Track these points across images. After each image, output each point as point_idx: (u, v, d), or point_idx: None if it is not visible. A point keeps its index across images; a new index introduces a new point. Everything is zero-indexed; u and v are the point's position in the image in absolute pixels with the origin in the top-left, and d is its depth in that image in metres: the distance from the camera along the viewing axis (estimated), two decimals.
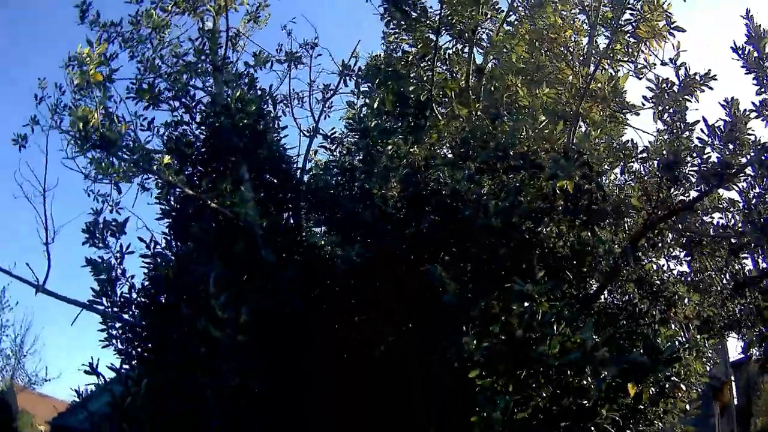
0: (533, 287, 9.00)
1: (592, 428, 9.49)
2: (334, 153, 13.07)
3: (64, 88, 12.55)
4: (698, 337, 11.54)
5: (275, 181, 12.95)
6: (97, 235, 12.16)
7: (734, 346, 23.45)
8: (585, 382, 9.27)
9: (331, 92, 13.69)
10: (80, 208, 12.76)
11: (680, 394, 10.40)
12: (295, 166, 13.25)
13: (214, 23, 13.68)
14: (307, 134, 13.47)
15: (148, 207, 12.50)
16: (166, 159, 11.53)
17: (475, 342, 9.00)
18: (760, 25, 10.60)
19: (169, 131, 12.81)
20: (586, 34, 12.90)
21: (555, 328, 8.86)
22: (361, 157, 12.18)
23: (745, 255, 12.03)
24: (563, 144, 11.36)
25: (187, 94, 13.04)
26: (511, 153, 10.83)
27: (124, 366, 11.70)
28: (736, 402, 26.45)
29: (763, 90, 10.56)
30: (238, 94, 12.69)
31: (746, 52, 10.63)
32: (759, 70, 10.58)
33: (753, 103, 10.59)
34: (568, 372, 9.25)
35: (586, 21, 13.03)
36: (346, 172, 12.36)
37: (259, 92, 13.29)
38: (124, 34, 13.19)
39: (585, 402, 9.48)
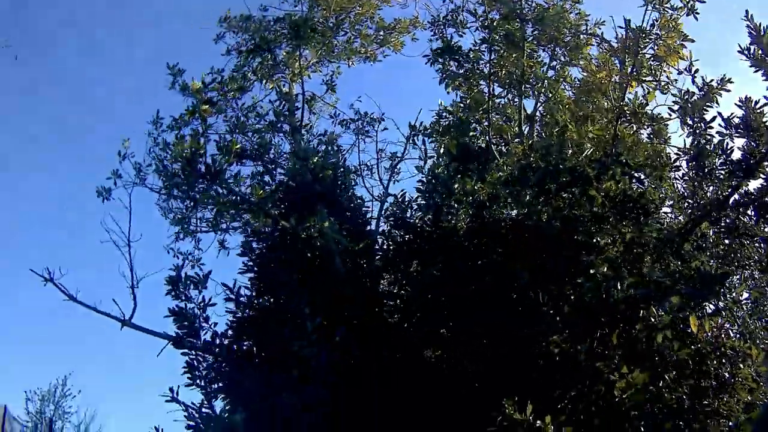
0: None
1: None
2: (405, 214, 13.69)
3: (150, 146, 13.84)
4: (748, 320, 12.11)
5: (352, 228, 13.65)
6: (180, 287, 12.66)
7: None
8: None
9: (398, 159, 14.86)
10: (162, 263, 13.53)
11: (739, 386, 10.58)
12: (369, 218, 14.21)
13: (290, 88, 15.29)
14: (378, 198, 14.49)
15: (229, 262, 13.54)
16: (260, 192, 12.82)
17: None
18: (760, 24, 11.61)
19: (256, 181, 13.93)
20: (618, 71, 14.14)
21: None
22: (431, 203, 12.96)
23: None
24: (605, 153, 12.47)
25: (270, 150, 14.29)
26: (562, 167, 11.86)
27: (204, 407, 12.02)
28: None
29: None
30: (316, 150, 13.94)
31: (752, 52, 11.61)
32: (765, 66, 11.54)
33: (765, 97, 11.68)
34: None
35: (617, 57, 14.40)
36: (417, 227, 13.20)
37: (334, 153, 14.52)
38: (211, 99, 14.02)
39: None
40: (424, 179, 13.33)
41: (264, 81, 15.54)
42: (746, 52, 11.63)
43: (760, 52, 11.60)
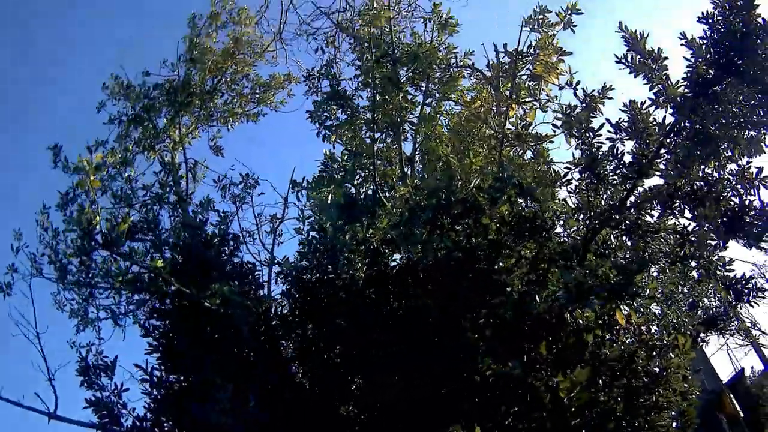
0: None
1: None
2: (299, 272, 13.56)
3: (40, 233, 13.59)
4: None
5: (250, 292, 13.73)
6: (91, 376, 12.63)
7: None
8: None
9: (278, 220, 14.85)
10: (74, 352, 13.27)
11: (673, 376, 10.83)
12: (262, 282, 14.17)
13: (172, 157, 15.32)
14: (266, 263, 14.36)
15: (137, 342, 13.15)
16: (159, 262, 12.64)
17: None
18: (635, 31, 12.08)
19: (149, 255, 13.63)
20: (494, 98, 14.19)
21: None
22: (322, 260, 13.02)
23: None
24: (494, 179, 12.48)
25: (160, 223, 14.11)
26: (453, 200, 12.05)
27: None
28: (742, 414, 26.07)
29: (654, 84, 11.97)
30: (203, 218, 14.06)
31: (630, 59, 12.10)
32: (645, 69, 12.01)
33: (649, 98, 12.07)
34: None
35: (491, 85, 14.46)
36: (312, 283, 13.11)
37: (222, 219, 14.57)
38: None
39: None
40: (305, 239, 13.39)
41: (146, 151, 15.50)
42: (624, 61, 12.06)
43: (638, 58, 12.02)
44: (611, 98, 13.00)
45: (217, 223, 14.39)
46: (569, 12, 13.87)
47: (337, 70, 15.48)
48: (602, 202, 12.62)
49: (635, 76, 12.07)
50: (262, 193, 15.17)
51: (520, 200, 12.26)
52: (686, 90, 11.78)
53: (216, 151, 16.55)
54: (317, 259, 13.05)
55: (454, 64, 15.18)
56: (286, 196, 14.69)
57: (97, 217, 12.33)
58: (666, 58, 11.99)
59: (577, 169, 12.87)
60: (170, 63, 16.20)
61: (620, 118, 12.25)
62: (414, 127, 14.68)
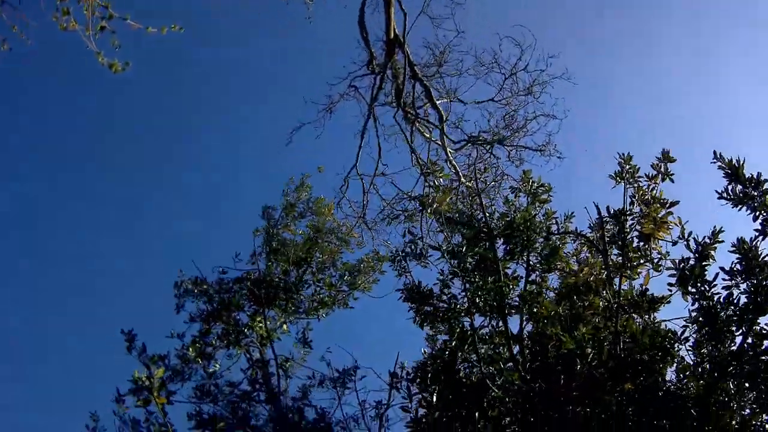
0: None
1: None
2: None
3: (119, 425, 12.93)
4: None
5: None
6: None
7: None
8: None
9: (384, 407, 13.78)
10: None
11: None
12: None
13: (261, 353, 14.63)
14: None
15: None
16: None
17: None
18: (731, 160, 11.43)
19: None
20: (602, 266, 13.12)
21: None
22: None
23: None
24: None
25: (248, 424, 13.48)
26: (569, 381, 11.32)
27: None
28: None
29: (758, 213, 11.30)
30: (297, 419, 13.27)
31: (730, 191, 11.47)
32: (747, 199, 11.37)
33: (755, 230, 11.32)
34: None
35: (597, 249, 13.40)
36: None
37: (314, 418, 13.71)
38: (173, 367, 13.88)
39: None
40: (413, 418, 12.34)
41: (231, 347, 14.87)
42: (726, 194, 11.51)
43: (738, 188, 11.42)
44: (722, 241, 11.78)
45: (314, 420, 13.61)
46: (664, 161, 12.97)
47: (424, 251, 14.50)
48: (721, 352, 11.45)
49: (739, 210, 11.45)
50: (364, 376, 14.26)
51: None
52: None
53: (305, 344, 15.41)
54: None
55: (555, 231, 14.20)
56: (390, 382, 13.63)
57: None
58: (766, 181, 11.27)
59: (694, 326, 11.75)
60: (248, 256, 15.85)
61: (733, 262, 11.34)
62: (518, 306, 13.53)
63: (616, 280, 12.63)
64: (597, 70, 33.53)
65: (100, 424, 13.15)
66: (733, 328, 11.35)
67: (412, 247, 14.52)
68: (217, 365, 14.40)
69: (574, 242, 14.14)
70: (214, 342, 14.75)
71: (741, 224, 11.48)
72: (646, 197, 12.82)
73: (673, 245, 12.35)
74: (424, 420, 12.35)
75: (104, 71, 12.40)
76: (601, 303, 12.60)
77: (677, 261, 11.83)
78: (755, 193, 11.31)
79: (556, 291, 13.57)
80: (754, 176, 11.36)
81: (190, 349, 14.30)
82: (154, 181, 33.59)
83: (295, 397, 14.25)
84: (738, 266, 11.30)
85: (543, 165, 22.08)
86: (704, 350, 11.64)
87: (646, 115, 34.46)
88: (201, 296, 15.40)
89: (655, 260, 12.60)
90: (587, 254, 13.67)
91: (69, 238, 31.78)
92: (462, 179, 19.78)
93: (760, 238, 11.26)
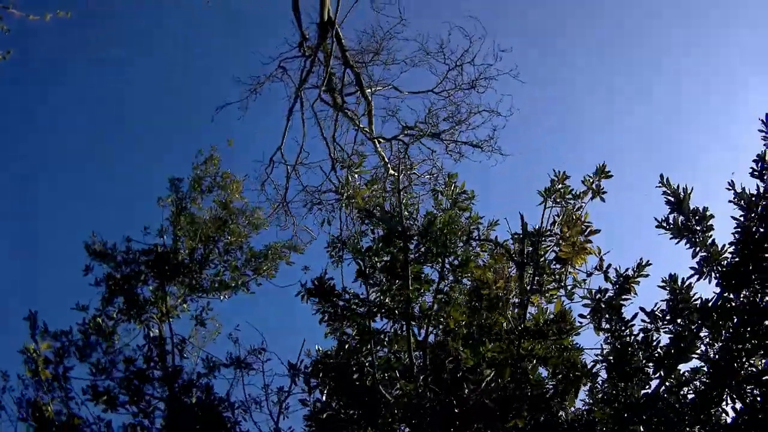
0: None
1: None
2: None
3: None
4: None
5: None
6: None
7: None
8: None
9: (286, 394, 13.38)
10: None
11: None
12: None
13: (160, 331, 14.25)
14: None
15: None
16: None
17: None
18: (678, 186, 10.87)
19: None
20: (517, 280, 12.52)
21: None
22: None
23: None
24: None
25: (142, 398, 13.19)
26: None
27: None
28: None
29: (698, 250, 10.72)
30: (194, 400, 12.97)
31: (671, 221, 10.90)
32: (688, 232, 10.79)
33: (692, 268, 10.72)
34: None
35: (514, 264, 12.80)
36: None
37: (216, 400, 13.34)
38: (76, 342, 13.45)
39: None
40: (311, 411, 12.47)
41: (132, 321, 14.46)
42: (665, 223, 10.96)
43: (681, 219, 10.85)
44: (647, 275, 11.28)
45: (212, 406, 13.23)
46: (598, 177, 12.24)
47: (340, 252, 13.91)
48: (634, 393, 10.95)
49: (677, 242, 10.87)
50: (269, 359, 13.80)
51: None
52: (733, 255, 10.41)
53: (201, 323, 15.36)
54: None
55: (476, 237, 13.52)
56: (288, 373, 13.37)
57: (50, 412, 12.08)
58: (712, 216, 10.73)
59: (603, 365, 11.27)
60: (156, 229, 15.25)
61: (656, 305, 10.84)
62: (423, 315, 12.94)
63: (525, 301, 12.07)
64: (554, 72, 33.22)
65: (9, 384, 13.02)
66: (650, 371, 10.84)
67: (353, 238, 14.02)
68: (117, 339, 14.00)
69: (494, 251, 13.48)
70: (114, 315, 14.34)
71: (683, 259, 11.00)
72: (569, 218, 12.15)
73: (587, 276, 11.80)
74: (321, 416, 12.19)
75: None
76: (504, 324, 11.96)
77: (593, 291, 11.36)
78: (697, 228, 10.74)
79: (467, 301, 12.94)
80: (699, 209, 10.76)
81: (91, 324, 13.83)
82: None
83: (192, 378, 13.83)
84: (664, 305, 10.76)
85: (483, 161, 21.86)
86: (615, 390, 11.14)
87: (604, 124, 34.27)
88: (109, 261, 14.87)
89: (569, 287, 12.03)
90: (503, 266, 12.96)
91: None
92: (391, 171, 19.23)
93: (695, 277, 10.66)
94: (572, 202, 12.28)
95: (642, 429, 11.02)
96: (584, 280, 11.91)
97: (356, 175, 17.19)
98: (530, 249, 12.28)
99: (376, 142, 21.60)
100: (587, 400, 11.46)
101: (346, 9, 20.37)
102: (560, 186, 12.35)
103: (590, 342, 12.13)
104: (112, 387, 13.32)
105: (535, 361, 11.58)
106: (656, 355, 10.69)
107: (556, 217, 12.33)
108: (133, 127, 34.61)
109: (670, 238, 10.86)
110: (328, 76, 21.02)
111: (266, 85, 22.27)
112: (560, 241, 12.10)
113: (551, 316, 11.72)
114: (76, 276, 14.93)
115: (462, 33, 21.63)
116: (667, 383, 10.75)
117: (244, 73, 23.70)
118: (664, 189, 10.89)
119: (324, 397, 12.61)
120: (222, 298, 16.03)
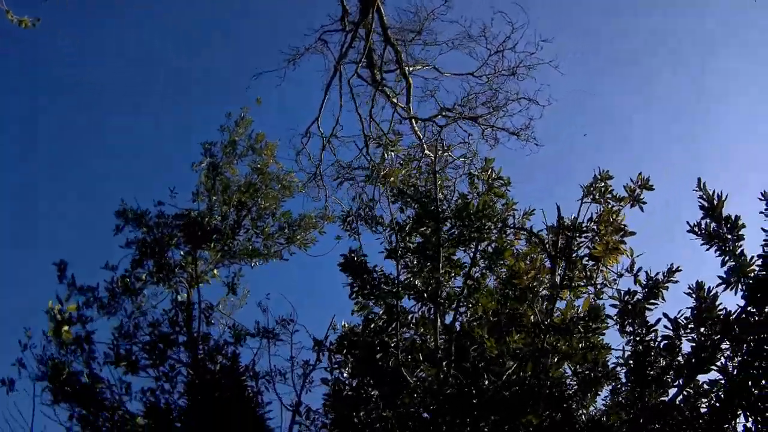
0: None
1: None
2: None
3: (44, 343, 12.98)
4: None
5: None
6: None
7: None
8: None
9: (311, 367, 13.54)
10: None
11: None
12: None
13: (188, 295, 14.31)
14: (290, 408, 13.20)
15: None
16: (138, 419, 12.03)
17: None
18: (713, 192, 10.53)
19: (148, 398, 13.01)
20: (548, 273, 12.48)
21: None
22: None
23: None
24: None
25: (165, 362, 13.36)
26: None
27: None
28: None
29: (727, 259, 10.40)
30: (218, 367, 13.11)
31: (703, 226, 10.57)
32: (719, 240, 10.47)
33: (719, 277, 10.34)
34: None
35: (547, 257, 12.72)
36: None
37: (241, 369, 13.45)
38: (101, 299, 13.70)
39: None
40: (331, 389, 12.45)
41: (160, 283, 14.50)
42: (697, 228, 10.59)
43: (712, 225, 10.51)
44: (677, 281, 11.18)
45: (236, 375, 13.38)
46: (639, 185, 12.09)
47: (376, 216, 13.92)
48: (651, 399, 10.82)
49: (707, 249, 10.54)
50: (297, 331, 14.00)
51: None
52: (759, 269, 10.11)
53: (232, 290, 15.23)
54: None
55: (511, 224, 13.48)
56: (314, 348, 13.57)
57: (67, 371, 12.26)
58: (743, 225, 10.39)
59: (624, 369, 11.17)
60: (192, 192, 15.35)
61: (680, 312, 10.60)
62: (452, 300, 12.94)
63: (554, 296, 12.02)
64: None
65: (31, 341, 13.10)
66: (669, 379, 10.72)
67: (365, 210, 14.01)
68: (143, 301, 14.16)
69: (528, 241, 13.43)
70: (143, 277, 14.38)
71: (709, 267, 10.71)
72: (607, 217, 12.04)
73: (618, 276, 11.74)
74: (341, 394, 12.23)
75: None
76: (532, 316, 11.93)
77: (622, 292, 11.25)
78: (729, 236, 10.43)
79: (500, 289, 12.94)
80: (732, 217, 10.44)
81: (119, 282, 13.99)
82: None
83: (218, 344, 13.96)
84: (688, 313, 10.52)
85: (518, 149, 21.98)
86: (634, 395, 11.02)
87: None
88: (141, 226, 14.94)
89: (599, 286, 11.97)
90: (537, 257, 12.88)
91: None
92: (426, 152, 19.19)
93: (722, 287, 10.34)
94: (611, 202, 12.18)
95: None
96: (614, 280, 11.88)
97: (391, 154, 17.24)
98: (563, 243, 12.21)
99: (413, 122, 21.51)
100: (607, 402, 11.44)
101: None
102: (602, 184, 12.25)
103: (612, 344, 12.00)
104: (135, 351, 13.51)
105: (558, 358, 11.55)
106: (677, 362, 10.58)
107: (594, 214, 12.23)
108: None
109: (701, 244, 10.59)
110: (368, 52, 20.96)
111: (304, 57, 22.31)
112: (595, 238, 12.04)
113: (579, 313, 11.65)
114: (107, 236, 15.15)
115: (505, 19, 21.39)
116: (685, 392, 10.61)
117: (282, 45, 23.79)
118: (699, 193, 10.62)
119: (346, 374, 12.67)
120: (253, 265, 16.08)
